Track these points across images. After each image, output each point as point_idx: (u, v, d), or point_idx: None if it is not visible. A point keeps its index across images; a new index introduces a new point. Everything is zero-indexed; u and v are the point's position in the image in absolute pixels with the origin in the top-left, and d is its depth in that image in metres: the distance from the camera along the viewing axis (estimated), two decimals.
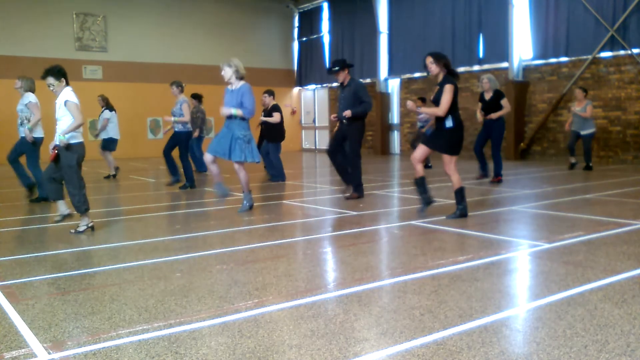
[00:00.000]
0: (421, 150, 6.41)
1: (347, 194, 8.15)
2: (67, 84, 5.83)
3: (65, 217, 6.24)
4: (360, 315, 3.15)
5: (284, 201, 8.10)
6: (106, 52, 19.56)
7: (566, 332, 2.82)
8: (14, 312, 3.30)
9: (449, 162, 6.29)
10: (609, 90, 13.75)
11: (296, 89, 24.09)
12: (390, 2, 19.38)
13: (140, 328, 3.00)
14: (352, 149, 8.02)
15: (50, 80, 5.67)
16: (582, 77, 14.22)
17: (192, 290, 3.67)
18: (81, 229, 5.81)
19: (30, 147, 8.23)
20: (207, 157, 7.05)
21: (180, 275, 4.07)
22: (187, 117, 9.64)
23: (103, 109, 12.24)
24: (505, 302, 3.37)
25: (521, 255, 4.60)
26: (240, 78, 6.98)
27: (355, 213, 6.83)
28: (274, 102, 11.11)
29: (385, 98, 19.82)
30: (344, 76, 8.04)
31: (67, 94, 5.69)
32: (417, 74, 18.50)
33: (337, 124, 8.17)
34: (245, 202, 7.15)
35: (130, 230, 6.15)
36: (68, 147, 5.63)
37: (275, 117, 10.71)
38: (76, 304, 3.46)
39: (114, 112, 12.13)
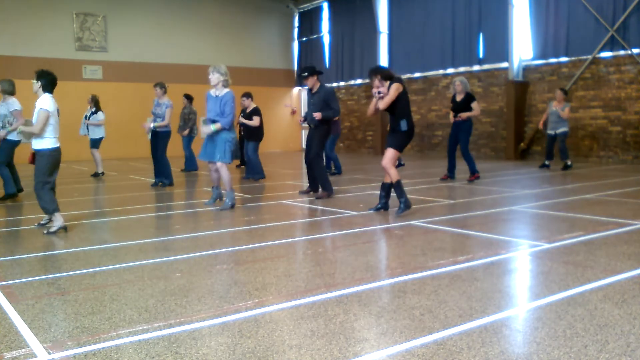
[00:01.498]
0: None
1: (305, 190, 8.60)
2: (48, 90, 5.91)
3: (49, 223, 6.01)
4: (360, 315, 3.15)
5: (284, 201, 8.10)
6: (106, 52, 19.56)
7: (566, 332, 2.82)
8: (14, 312, 3.29)
9: (391, 157, 6.63)
10: (609, 90, 13.75)
11: (296, 89, 24.09)
12: (390, 2, 19.38)
13: (140, 328, 3.00)
14: (314, 150, 8.26)
15: (34, 77, 5.92)
16: (582, 77, 14.21)
17: (192, 290, 3.67)
18: (54, 229, 5.80)
19: (2, 146, 8.36)
20: (210, 166, 7.40)
21: (180, 275, 4.07)
22: (167, 121, 9.76)
23: (92, 109, 12.39)
24: (505, 302, 3.37)
25: (521, 255, 4.60)
26: (226, 86, 7.16)
27: (355, 213, 6.83)
28: (255, 105, 11.31)
29: None
30: (313, 82, 8.28)
31: (42, 101, 5.80)
32: (417, 74, 18.49)
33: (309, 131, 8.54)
34: (227, 199, 7.26)
35: (130, 230, 6.15)
36: (35, 152, 5.82)
37: (255, 121, 11.07)
38: (76, 304, 3.46)
39: (101, 112, 12.47)
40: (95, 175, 12.39)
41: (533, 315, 3.15)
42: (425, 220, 6.18)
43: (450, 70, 17.52)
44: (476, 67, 16.71)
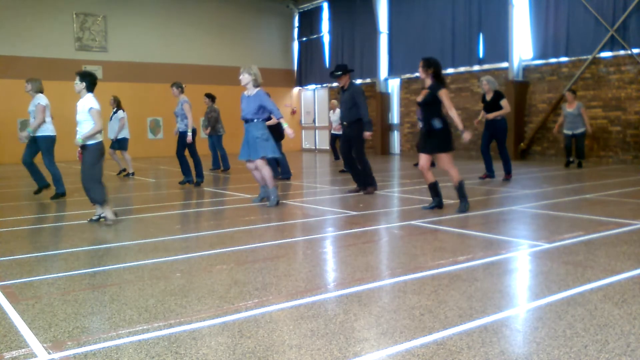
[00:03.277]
0: (424, 158, 6.71)
1: (362, 190, 8.62)
2: (91, 90, 6.30)
3: (102, 218, 6.39)
4: (360, 315, 3.15)
5: (284, 201, 8.10)
6: (106, 52, 19.55)
7: (566, 332, 2.82)
8: (14, 312, 3.29)
9: (445, 159, 6.65)
10: (609, 90, 13.75)
11: (296, 89, 24.09)
12: (390, 2, 19.38)
13: (140, 328, 3.00)
14: (356, 149, 8.51)
15: (77, 79, 6.28)
16: (582, 77, 14.21)
17: (192, 290, 3.67)
18: (109, 221, 6.33)
19: (46, 145, 8.46)
20: (248, 165, 7.72)
21: (180, 275, 4.07)
22: (189, 117, 9.69)
23: (114, 109, 12.52)
24: (505, 302, 3.37)
25: (521, 255, 4.60)
26: (257, 86, 7.46)
27: (355, 213, 6.83)
28: None
29: (385, 98, 19.82)
30: (345, 80, 8.53)
31: (91, 101, 6.21)
32: (417, 74, 18.46)
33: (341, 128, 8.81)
34: (272, 197, 7.52)
35: (130, 230, 6.14)
36: (84, 147, 6.20)
37: (272, 120, 10.92)
38: (76, 304, 3.46)
39: (121, 110, 12.57)
40: (127, 175, 12.44)
41: (533, 315, 3.15)
42: (425, 220, 6.18)
43: (450, 70, 17.51)
44: (476, 67, 16.70)
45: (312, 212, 7.18)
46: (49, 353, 2.70)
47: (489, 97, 10.02)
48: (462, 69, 17.11)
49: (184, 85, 10.07)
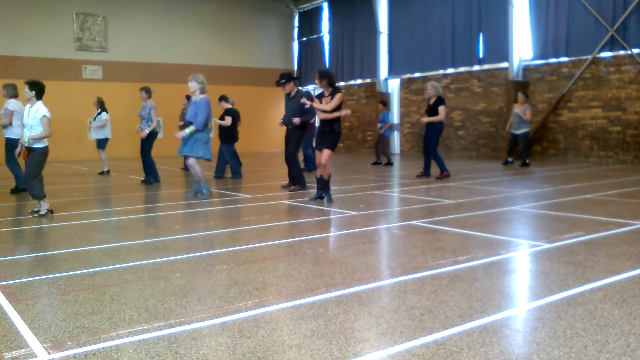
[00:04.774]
0: (319, 155, 7.66)
1: (286, 185, 9.38)
2: (39, 98, 6.77)
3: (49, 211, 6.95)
4: (360, 315, 3.15)
5: (284, 201, 8.10)
6: (106, 52, 19.55)
7: (566, 332, 2.82)
8: (14, 312, 3.29)
9: (327, 154, 7.51)
10: (609, 90, 13.75)
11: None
12: (390, 2, 19.37)
13: (140, 328, 3.00)
14: (291, 148, 9.14)
15: (26, 87, 6.78)
16: (582, 77, 14.21)
17: (192, 290, 3.67)
18: (42, 212, 6.82)
19: (7, 147, 9.00)
20: (189, 161, 8.25)
21: (180, 275, 4.07)
22: (154, 121, 10.44)
23: (99, 110, 13.00)
24: (505, 302, 3.37)
25: (521, 255, 4.60)
26: (203, 93, 8.09)
27: (355, 213, 6.83)
28: (228, 106, 11.72)
29: (385, 98, 19.80)
30: (290, 88, 9.06)
31: (43, 109, 6.69)
32: (417, 74, 18.48)
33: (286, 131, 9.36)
34: (204, 190, 8.20)
35: (130, 230, 6.15)
36: (30, 149, 6.66)
37: (227, 121, 11.47)
38: (76, 304, 3.46)
39: (104, 112, 13.07)
40: (101, 173, 12.96)
41: (533, 315, 3.15)
42: (425, 220, 6.18)
43: (450, 70, 17.52)
44: (476, 67, 16.70)
45: (312, 212, 7.18)
46: (49, 353, 2.70)
47: (431, 101, 10.49)
48: (462, 69, 17.10)
49: (152, 90, 10.65)
